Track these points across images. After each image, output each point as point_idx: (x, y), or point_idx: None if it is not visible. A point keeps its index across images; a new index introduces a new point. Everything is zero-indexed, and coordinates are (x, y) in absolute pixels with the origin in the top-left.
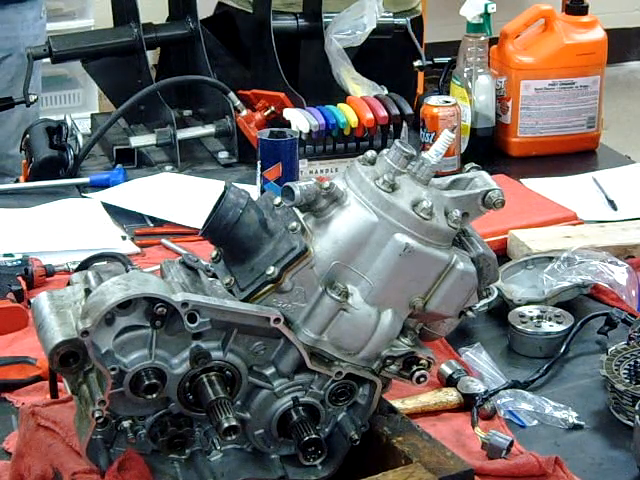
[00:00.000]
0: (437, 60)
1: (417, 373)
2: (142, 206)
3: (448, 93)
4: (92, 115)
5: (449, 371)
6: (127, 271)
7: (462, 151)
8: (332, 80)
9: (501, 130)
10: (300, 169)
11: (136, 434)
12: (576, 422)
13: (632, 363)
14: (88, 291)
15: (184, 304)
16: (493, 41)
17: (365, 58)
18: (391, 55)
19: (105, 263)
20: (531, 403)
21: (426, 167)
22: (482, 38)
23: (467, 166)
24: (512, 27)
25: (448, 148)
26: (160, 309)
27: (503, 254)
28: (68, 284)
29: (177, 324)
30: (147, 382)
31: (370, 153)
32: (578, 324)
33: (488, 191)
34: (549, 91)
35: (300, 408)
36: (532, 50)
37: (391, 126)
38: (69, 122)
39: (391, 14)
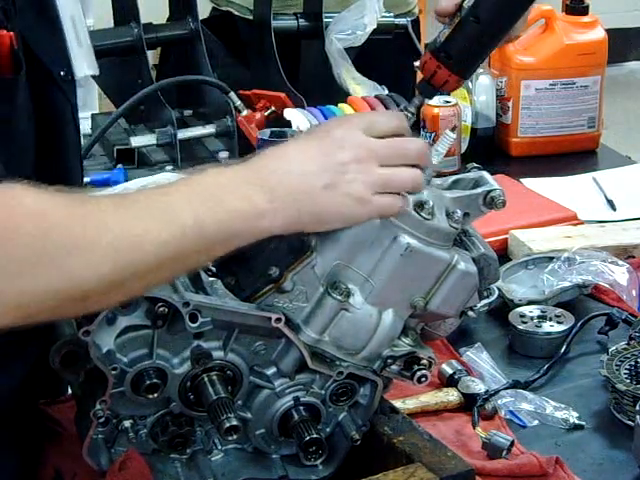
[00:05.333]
0: None
1: (418, 373)
2: None
3: (448, 93)
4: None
5: (450, 371)
6: None
7: (462, 151)
8: (332, 80)
9: (501, 130)
10: None
11: (137, 434)
12: (577, 422)
13: (633, 363)
14: None
15: (185, 304)
16: None
17: (366, 58)
18: (391, 55)
19: None
20: (532, 403)
21: (427, 167)
22: None
23: (468, 166)
24: None
25: (449, 148)
26: (161, 309)
27: (504, 254)
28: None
29: (178, 324)
30: (148, 382)
31: None
32: (579, 324)
33: (489, 191)
34: (549, 91)
35: (301, 408)
36: (532, 50)
37: None
38: None
39: (392, 14)
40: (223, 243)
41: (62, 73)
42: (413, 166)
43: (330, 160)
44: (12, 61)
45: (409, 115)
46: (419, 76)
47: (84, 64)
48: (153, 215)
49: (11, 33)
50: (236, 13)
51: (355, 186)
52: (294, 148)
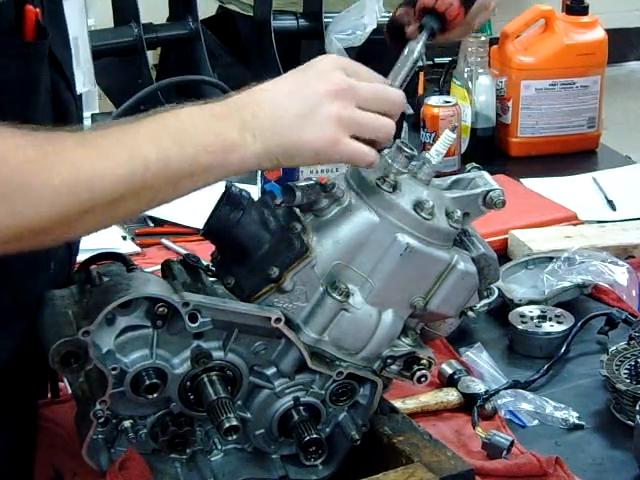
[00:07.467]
0: (437, 60)
1: (418, 373)
2: None
3: (448, 93)
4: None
5: (450, 371)
6: (128, 271)
7: (462, 151)
8: None
9: (501, 130)
10: (300, 169)
11: (137, 434)
12: (577, 422)
13: (632, 363)
14: (89, 291)
15: (185, 304)
16: (493, 41)
17: (365, 58)
18: (391, 55)
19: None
20: (531, 403)
21: (427, 167)
22: (482, 38)
23: (468, 166)
24: (512, 27)
25: (448, 148)
26: (161, 309)
27: (503, 254)
28: (69, 284)
29: (178, 324)
30: (148, 382)
31: None
32: (579, 324)
33: (489, 191)
34: (549, 91)
35: (301, 408)
36: (532, 50)
37: None
38: None
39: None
40: (191, 178)
41: (71, 76)
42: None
43: (307, 90)
44: (36, 31)
45: (420, 53)
46: (420, 76)
47: (80, 82)
48: (115, 151)
49: (37, 9)
50: (238, 10)
51: (330, 120)
52: (273, 81)
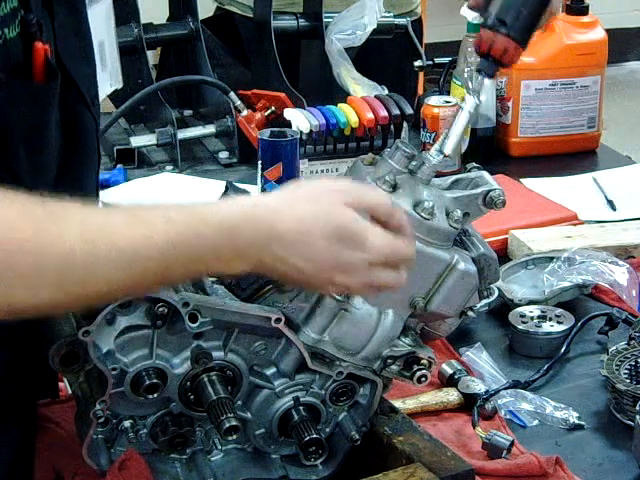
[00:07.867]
0: (437, 60)
1: (418, 373)
2: None
3: (448, 93)
4: None
5: (450, 371)
6: None
7: (462, 151)
8: (332, 80)
9: (501, 130)
10: (300, 169)
11: (137, 434)
12: (577, 422)
13: (633, 363)
14: None
15: (185, 304)
16: None
17: (366, 58)
18: (391, 55)
19: None
20: (532, 403)
21: (427, 167)
22: None
23: (468, 166)
24: None
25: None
26: (161, 309)
27: (504, 254)
28: None
29: (178, 324)
30: (148, 382)
31: (370, 155)
32: (579, 324)
33: (489, 191)
34: (549, 91)
35: (301, 408)
36: (533, 50)
37: (392, 126)
38: None
39: (391, 14)
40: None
41: (93, 99)
42: None
43: (340, 259)
44: (46, 71)
45: (477, 102)
46: (420, 76)
47: (107, 85)
48: (117, 257)
49: (46, 46)
50: (238, 11)
51: (344, 285)
52: (313, 230)
